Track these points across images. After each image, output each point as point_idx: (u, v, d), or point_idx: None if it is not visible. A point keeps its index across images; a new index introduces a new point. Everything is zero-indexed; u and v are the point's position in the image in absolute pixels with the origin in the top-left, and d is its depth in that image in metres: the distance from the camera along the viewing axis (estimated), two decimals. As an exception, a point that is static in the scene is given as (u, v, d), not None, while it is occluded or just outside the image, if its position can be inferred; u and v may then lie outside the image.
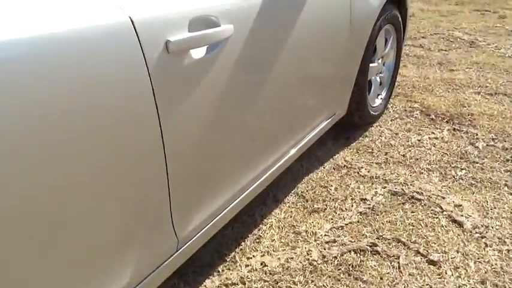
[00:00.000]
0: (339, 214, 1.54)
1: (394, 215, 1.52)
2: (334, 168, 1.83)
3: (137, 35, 0.78)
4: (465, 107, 2.31)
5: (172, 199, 0.95)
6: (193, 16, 0.90)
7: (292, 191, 1.69)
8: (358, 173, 1.78)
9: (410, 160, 1.86)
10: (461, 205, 1.55)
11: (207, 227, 1.14)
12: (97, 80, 0.72)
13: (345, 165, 1.84)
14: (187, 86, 0.91)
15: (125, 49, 0.76)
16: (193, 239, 1.08)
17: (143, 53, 0.79)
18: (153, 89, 0.82)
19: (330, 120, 1.78)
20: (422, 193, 1.62)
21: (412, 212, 1.53)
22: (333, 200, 1.62)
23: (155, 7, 0.83)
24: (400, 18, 2.10)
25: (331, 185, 1.71)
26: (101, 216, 0.79)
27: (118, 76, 0.75)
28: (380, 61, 2.10)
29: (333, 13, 1.51)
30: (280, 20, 1.22)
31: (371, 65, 1.95)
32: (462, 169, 1.77)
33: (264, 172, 1.39)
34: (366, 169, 1.80)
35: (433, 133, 2.07)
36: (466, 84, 2.61)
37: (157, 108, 0.84)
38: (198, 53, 0.92)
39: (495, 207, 1.53)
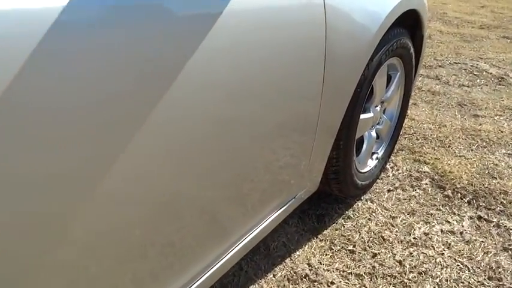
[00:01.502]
0: None
1: None
2: (289, 280, 1.16)
3: None
4: (495, 178, 1.64)
5: None
6: None
7: (212, 323, 1.03)
8: (324, 293, 1.12)
9: (411, 274, 1.19)
10: None
11: None
12: None
13: (306, 275, 1.17)
14: None
15: None
16: None
17: None
18: None
19: (289, 204, 1.12)
20: None
21: None
22: None
23: None
24: (412, 50, 1.44)
25: (277, 317, 1.05)
26: None
27: None
28: (378, 108, 1.44)
29: (287, 40, 0.85)
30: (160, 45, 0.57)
31: (362, 116, 1.29)
32: (493, 304, 1.11)
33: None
34: (338, 287, 1.13)
35: (449, 222, 1.40)
36: (496, 141, 1.93)
37: None
38: None
39: None
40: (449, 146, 1.88)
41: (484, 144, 1.91)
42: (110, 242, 0.63)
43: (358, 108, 1.20)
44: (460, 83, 2.69)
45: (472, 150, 1.85)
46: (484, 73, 2.89)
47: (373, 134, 1.47)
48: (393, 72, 1.46)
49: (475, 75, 2.86)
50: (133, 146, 0.59)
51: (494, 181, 1.61)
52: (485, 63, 3.11)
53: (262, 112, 0.85)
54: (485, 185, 1.58)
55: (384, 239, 1.31)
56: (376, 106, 1.42)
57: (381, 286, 1.14)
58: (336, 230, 1.35)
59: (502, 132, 2.03)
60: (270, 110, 0.87)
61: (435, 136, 1.96)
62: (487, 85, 2.68)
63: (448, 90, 2.56)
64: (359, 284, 1.15)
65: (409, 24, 1.43)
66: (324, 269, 1.19)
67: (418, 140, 1.93)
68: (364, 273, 1.19)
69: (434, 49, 3.42)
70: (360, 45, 1.07)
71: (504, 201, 1.50)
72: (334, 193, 1.42)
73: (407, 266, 1.21)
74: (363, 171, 1.46)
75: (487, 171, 1.68)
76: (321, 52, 0.95)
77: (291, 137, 1.00)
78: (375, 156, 1.56)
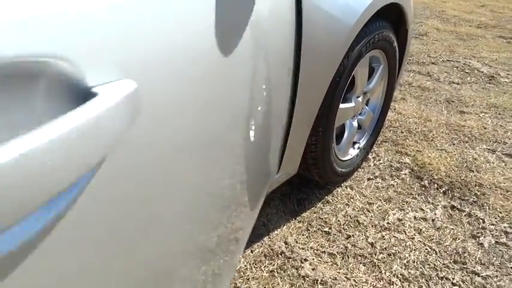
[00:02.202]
0: None
1: None
2: (265, 255, 1.23)
3: None
4: (472, 171, 1.70)
5: None
6: None
7: (190, 291, 1.10)
8: (297, 269, 1.19)
9: (380, 255, 1.26)
10: None
11: None
12: None
13: (282, 252, 1.24)
14: None
15: None
16: None
17: None
18: None
19: (265, 186, 1.18)
20: (385, 327, 1.03)
21: None
22: (243, 321, 1.03)
23: None
24: (395, 43, 1.50)
25: (251, 289, 1.12)
26: None
27: None
28: (360, 99, 1.50)
29: (259, 27, 0.90)
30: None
31: (342, 105, 1.36)
32: (454, 284, 1.17)
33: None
34: (311, 264, 1.21)
35: (422, 210, 1.47)
36: (478, 137, 1.99)
37: None
38: None
39: None
40: (431, 140, 1.94)
41: (466, 139, 1.97)
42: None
43: (337, 97, 1.26)
44: (451, 80, 2.75)
45: (453, 144, 1.92)
46: (476, 71, 2.94)
47: (355, 123, 1.54)
48: (376, 65, 1.52)
49: (466, 73, 2.91)
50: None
51: (471, 174, 1.68)
52: (477, 61, 3.16)
53: (234, 96, 0.91)
54: (462, 177, 1.65)
55: (359, 223, 1.38)
56: (358, 97, 1.48)
57: (351, 264, 1.21)
58: (315, 213, 1.42)
59: (485, 128, 2.09)
60: (242, 95, 0.93)
61: (419, 130, 2.03)
62: (476, 83, 2.73)
63: (437, 87, 2.62)
64: (331, 261, 1.22)
65: (393, 18, 1.49)
66: (299, 247, 1.26)
67: (403, 132, 1.99)
68: (337, 252, 1.26)
69: (429, 46, 3.46)
70: (334, 36, 1.12)
71: (478, 193, 1.56)
72: (314, 179, 1.48)
73: (378, 248, 1.28)
74: (343, 159, 1.52)
75: (465, 165, 1.74)
76: (294, 39, 1.00)
77: (267, 122, 1.06)
78: (356, 145, 1.62)
